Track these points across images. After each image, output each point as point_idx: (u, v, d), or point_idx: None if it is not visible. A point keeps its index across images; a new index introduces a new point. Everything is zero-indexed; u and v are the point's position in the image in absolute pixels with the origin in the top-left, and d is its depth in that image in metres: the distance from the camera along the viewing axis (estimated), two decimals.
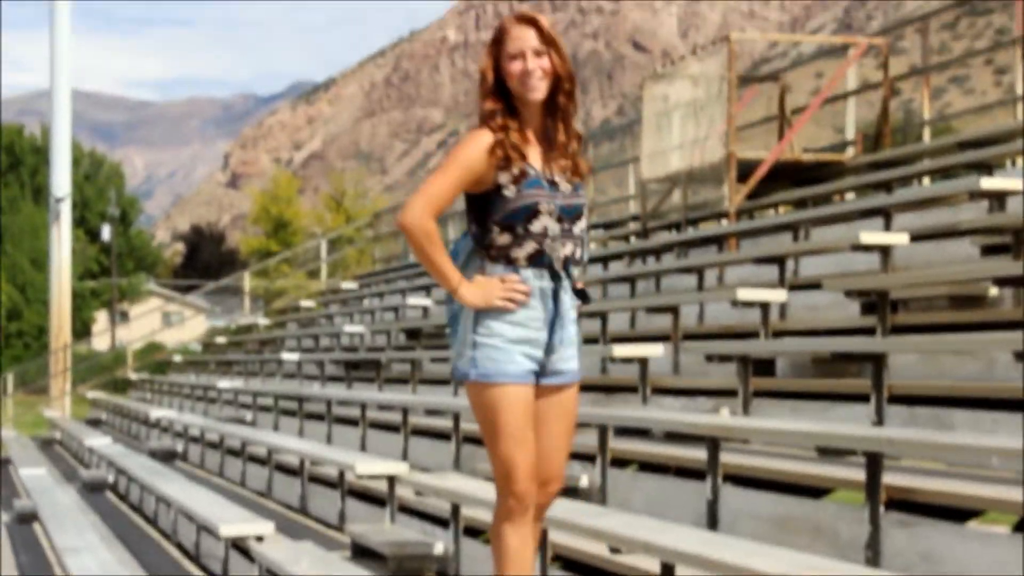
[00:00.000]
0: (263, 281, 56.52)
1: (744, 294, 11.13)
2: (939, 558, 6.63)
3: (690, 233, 17.43)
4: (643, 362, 11.07)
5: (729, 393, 10.32)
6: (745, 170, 16.67)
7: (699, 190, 18.09)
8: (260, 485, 16.18)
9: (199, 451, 20.13)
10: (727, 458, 8.48)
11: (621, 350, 10.99)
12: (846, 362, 9.53)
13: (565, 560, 8.58)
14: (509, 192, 5.23)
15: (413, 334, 19.42)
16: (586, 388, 12.61)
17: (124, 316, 78.96)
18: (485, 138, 5.24)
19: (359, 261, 57.01)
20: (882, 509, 6.90)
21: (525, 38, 5.28)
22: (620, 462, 9.98)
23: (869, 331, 10.15)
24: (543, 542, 8.16)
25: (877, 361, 8.53)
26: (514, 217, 5.24)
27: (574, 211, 5.34)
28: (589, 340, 14.22)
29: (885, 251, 11.20)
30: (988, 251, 11.07)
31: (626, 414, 10.00)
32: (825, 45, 23.49)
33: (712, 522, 8.26)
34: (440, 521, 10.43)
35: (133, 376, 38.26)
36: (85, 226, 79.15)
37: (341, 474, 12.63)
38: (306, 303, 33.05)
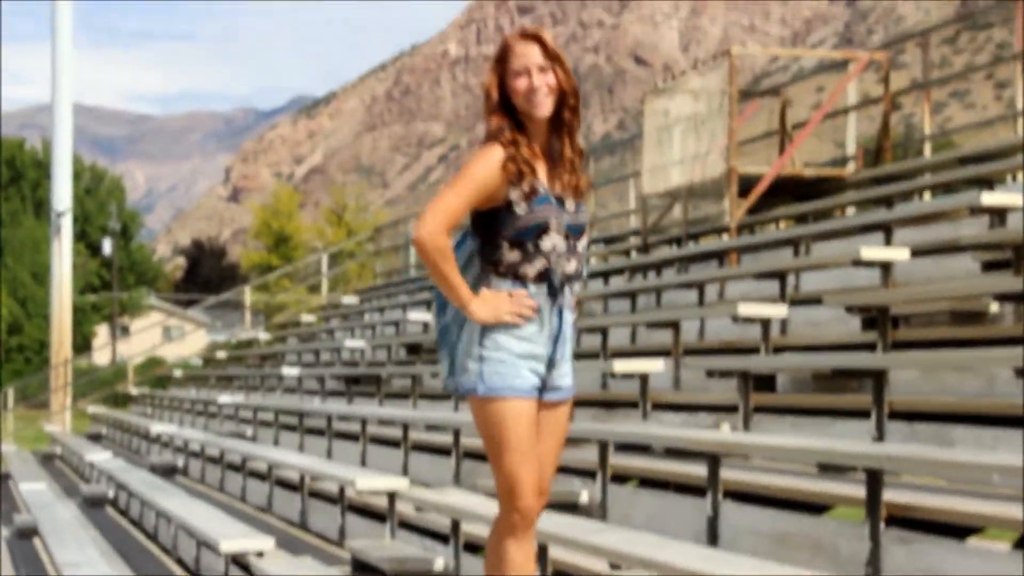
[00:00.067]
0: (264, 295, 56.52)
1: (745, 309, 11.12)
2: (939, 575, 6.61)
3: (691, 248, 17.43)
4: (643, 377, 11.07)
5: (730, 409, 10.31)
6: (746, 185, 16.68)
7: (700, 205, 18.10)
8: (260, 500, 16.16)
9: (199, 466, 20.10)
10: (727, 474, 8.47)
11: (621, 365, 10.99)
12: (847, 378, 9.54)
13: None
14: (520, 209, 5.24)
15: (414, 349, 19.42)
16: (586, 403, 12.68)
17: (125, 330, 78.98)
18: (497, 154, 5.24)
19: (360, 275, 57.10)
20: (882, 525, 6.89)
21: (529, 54, 5.29)
22: (620, 478, 9.96)
23: (870, 347, 10.15)
24: (543, 558, 8.16)
25: (878, 377, 8.52)
26: (525, 234, 5.25)
27: (579, 228, 5.38)
28: (589, 355, 14.27)
29: (886, 266, 11.20)
30: (989, 267, 11.08)
31: (626, 430, 9.99)
32: (826, 60, 23.49)
33: (712, 538, 8.25)
34: (440, 537, 10.42)
35: (134, 391, 38.21)
36: (86, 240, 79.17)
37: (341, 489, 12.62)
38: (307, 318, 33.04)
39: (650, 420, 11.07)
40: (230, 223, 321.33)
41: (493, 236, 5.29)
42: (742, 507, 8.26)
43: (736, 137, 16.65)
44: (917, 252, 11.57)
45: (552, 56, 5.30)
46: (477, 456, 12.03)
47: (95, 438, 31.15)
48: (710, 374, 10.70)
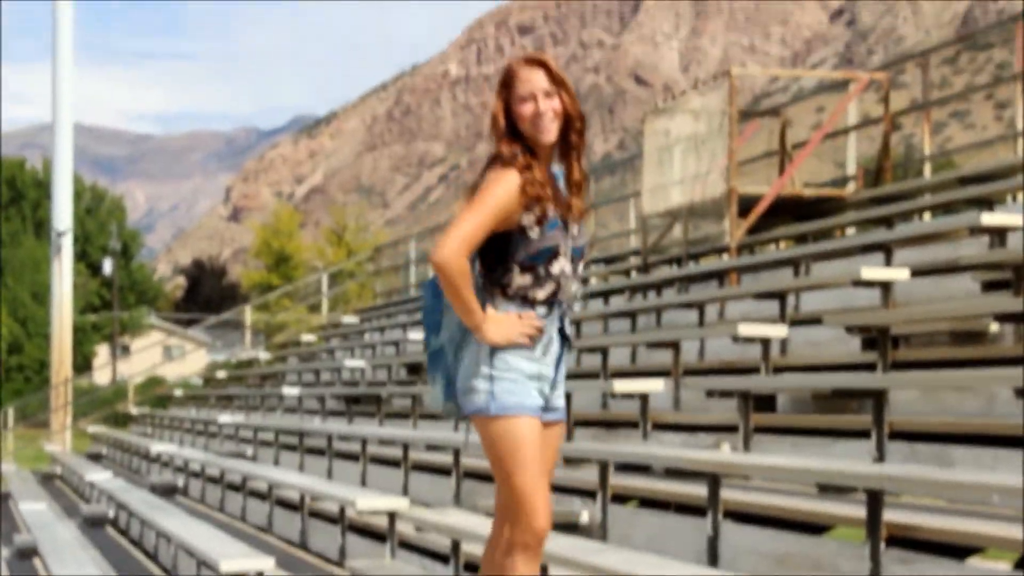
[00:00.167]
0: (264, 315, 56.53)
1: (745, 329, 11.12)
2: None
3: (691, 268, 17.44)
4: (644, 397, 11.06)
5: (730, 429, 10.31)
6: (746, 205, 16.69)
7: (700, 225, 18.12)
8: (261, 520, 16.15)
9: (200, 486, 20.09)
10: (728, 494, 8.47)
11: (622, 385, 10.98)
12: (847, 398, 9.54)
13: None
14: (533, 233, 5.27)
15: (414, 369, 19.41)
16: (587, 423, 12.68)
17: (125, 350, 78.96)
18: (514, 179, 5.25)
19: (360, 295, 57.03)
20: (883, 546, 6.89)
21: (534, 80, 5.31)
22: (621, 498, 9.97)
23: (870, 367, 10.14)
24: None
25: (878, 397, 8.52)
26: (537, 259, 5.29)
27: (581, 251, 5.43)
28: (590, 375, 14.27)
29: (886, 286, 11.20)
30: (989, 287, 11.08)
31: (627, 450, 9.99)
32: (826, 80, 23.51)
33: (713, 559, 8.25)
34: (441, 557, 10.41)
35: (134, 410, 38.17)
36: (86, 260, 79.15)
37: (342, 509, 12.61)
38: (307, 337, 33.03)
39: (650, 440, 11.07)
40: (231, 243, 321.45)
41: (504, 260, 5.31)
42: (742, 527, 8.26)
43: (736, 157, 16.67)
44: (917, 272, 11.58)
45: (557, 81, 5.32)
46: (477, 476, 12.02)
47: (95, 458, 31.14)
48: (710, 394, 10.68)
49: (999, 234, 11.22)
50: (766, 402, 10.66)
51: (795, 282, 13.63)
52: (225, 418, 23.64)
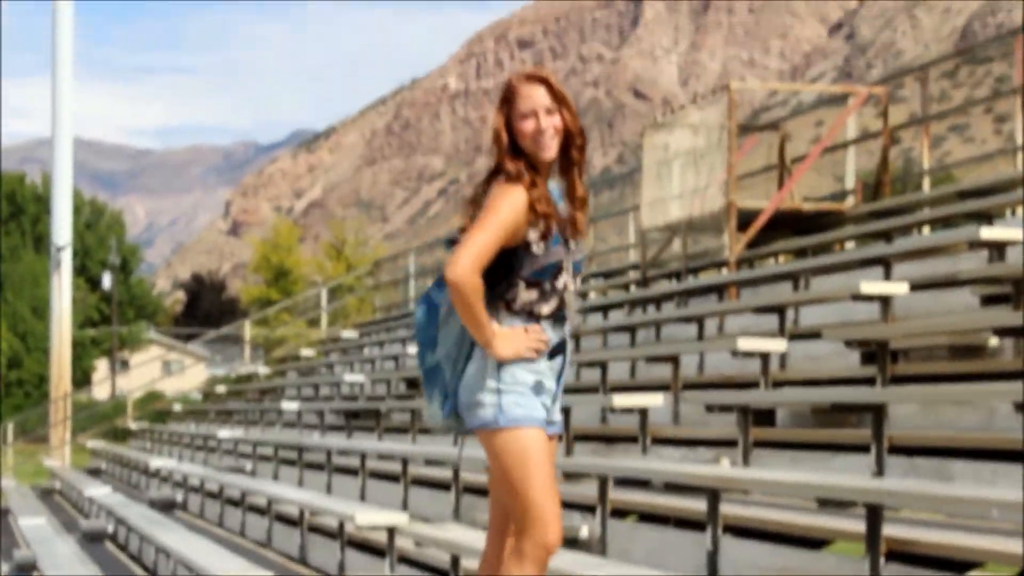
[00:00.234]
0: (263, 330, 56.57)
1: (744, 344, 11.12)
2: None
3: (690, 282, 17.44)
4: (643, 412, 11.06)
5: (729, 443, 10.30)
6: (745, 219, 16.69)
7: (699, 239, 18.12)
8: (260, 535, 16.14)
9: (199, 501, 20.08)
10: (727, 509, 8.46)
11: (621, 400, 10.98)
12: (846, 412, 9.53)
13: None
14: (538, 249, 5.29)
15: (413, 383, 19.39)
16: (586, 438, 12.67)
17: (124, 365, 78.92)
18: (521, 195, 5.26)
19: (359, 310, 57.02)
20: (882, 560, 6.88)
21: (535, 97, 5.31)
22: (620, 512, 9.96)
23: (869, 381, 10.14)
24: None
25: (877, 411, 8.52)
26: (542, 274, 5.31)
27: (580, 266, 5.46)
28: (589, 390, 14.26)
29: (885, 301, 11.20)
30: (988, 301, 11.08)
31: (626, 464, 9.98)
32: (825, 94, 23.55)
33: (712, 573, 8.24)
34: (440, 572, 10.40)
35: (133, 425, 38.18)
36: (86, 274, 79.17)
37: (341, 524, 12.59)
38: (306, 352, 33.03)
39: (650, 455, 11.06)
40: (230, 257, 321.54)
41: (509, 275, 5.32)
42: (742, 542, 8.25)
43: (735, 171, 16.68)
44: (916, 286, 11.58)
45: (558, 98, 5.33)
46: (477, 491, 12.02)
47: (94, 473, 31.14)
48: (709, 408, 10.68)
49: (998, 248, 11.22)
50: (765, 416, 10.65)
51: (794, 296, 13.63)
52: (224, 433, 23.63)
